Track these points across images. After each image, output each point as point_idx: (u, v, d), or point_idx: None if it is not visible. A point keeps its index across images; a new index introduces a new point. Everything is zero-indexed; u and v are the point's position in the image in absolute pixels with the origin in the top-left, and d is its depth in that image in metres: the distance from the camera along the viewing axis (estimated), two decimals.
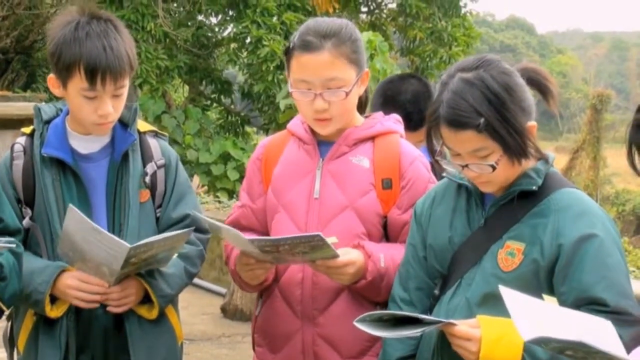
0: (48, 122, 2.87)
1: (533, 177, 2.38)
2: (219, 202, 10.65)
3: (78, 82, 2.69)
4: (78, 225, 2.58)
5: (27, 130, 2.89)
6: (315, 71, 2.67)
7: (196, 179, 13.58)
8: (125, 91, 2.78)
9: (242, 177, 14.88)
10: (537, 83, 2.44)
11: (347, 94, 2.68)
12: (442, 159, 2.43)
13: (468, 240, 2.45)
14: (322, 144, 2.83)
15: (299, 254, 2.52)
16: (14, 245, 2.47)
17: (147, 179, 2.88)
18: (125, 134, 2.86)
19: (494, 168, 2.30)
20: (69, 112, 2.86)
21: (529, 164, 2.38)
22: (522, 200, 2.38)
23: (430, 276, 2.57)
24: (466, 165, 2.34)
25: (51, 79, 2.79)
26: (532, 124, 2.36)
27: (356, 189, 2.76)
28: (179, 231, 2.69)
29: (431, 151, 2.44)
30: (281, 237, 2.53)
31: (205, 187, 14.14)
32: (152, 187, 2.90)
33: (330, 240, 2.48)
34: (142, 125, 2.95)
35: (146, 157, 2.90)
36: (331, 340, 2.75)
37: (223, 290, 8.00)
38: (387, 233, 2.79)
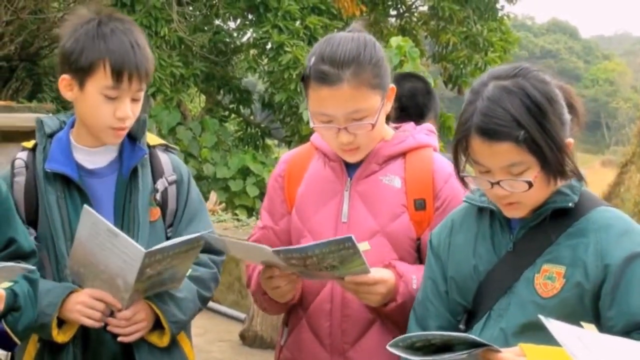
0: (51, 135, 2.86)
1: (568, 194, 2.34)
2: (238, 220, 10.67)
3: (101, 79, 2.69)
4: (92, 229, 2.58)
5: (28, 144, 2.88)
6: (336, 106, 2.62)
7: (213, 196, 13.61)
8: (143, 96, 2.79)
9: (262, 194, 14.91)
10: (566, 102, 2.36)
11: (373, 125, 2.65)
12: (468, 175, 2.37)
13: (496, 267, 2.41)
14: None
15: (328, 269, 2.51)
16: (32, 267, 2.47)
17: (158, 196, 2.87)
18: (134, 148, 2.85)
19: (530, 185, 2.25)
20: (74, 124, 2.86)
21: (559, 184, 2.34)
22: (555, 220, 2.34)
23: (452, 312, 2.52)
24: (497, 183, 2.28)
25: (64, 79, 2.76)
26: (570, 140, 2.31)
27: (387, 213, 2.73)
28: (194, 234, 2.67)
29: (457, 167, 2.38)
30: (309, 244, 2.48)
31: (223, 205, 14.17)
32: (163, 205, 2.89)
33: (362, 246, 2.46)
34: (151, 138, 2.94)
35: (156, 173, 2.89)
36: None
37: (242, 315, 8.01)
38: (420, 256, 2.75)
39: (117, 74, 2.67)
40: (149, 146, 2.91)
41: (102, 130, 2.77)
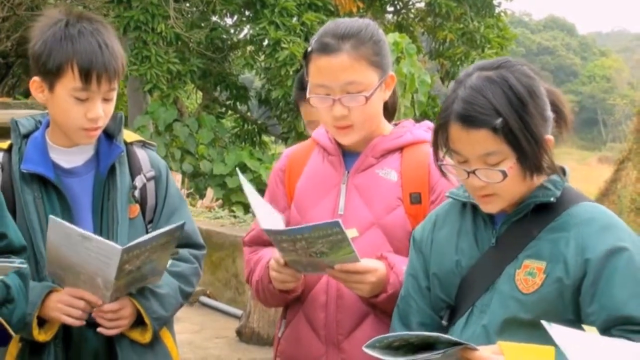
0: (27, 136, 2.85)
1: (550, 189, 2.33)
2: (235, 216, 10.65)
3: (70, 82, 2.67)
4: (63, 236, 2.57)
5: (3, 145, 2.86)
6: (333, 75, 2.67)
7: (210, 192, 13.61)
8: (115, 95, 2.78)
9: (259, 190, 14.84)
10: (551, 103, 2.36)
11: (367, 98, 2.68)
12: (446, 164, 2.37)
13: (478, 262, 2.40)
14: (348, 154, 2.83)
15: (318, 255, 2.52)
16: (24, 266, 2.48)
17: (136, 193, 2.87)
18: (111, 146, 2.85)
19: (504, 175, 2.25)
20: (49, 123, 2.85)
21: (539, 180, 2.33)
22: (537, 215, 2.33)
23: (434, 309, 2.51)
24: (473, 172, 2.28)
25: (35, 82, 2.75)
26: (549, 137, 2.30)
27: (383, 205, 2.75)
28: (171, 226, 2.66)
29: (436, 155, 2.38)
30: (297, 227, 2.51)
31: (220, 201, 14.19)
32: (142, 202, 2.89)
33: (350, 232, 2.48)
34: (128, 135, 2.93)
35: (134, 170, 2.89)
36: None
37: (239, 312, 8.01)
38: None
39: (85, 76, 2.66)
40: (126, 143, 2.90)
41: (74, 131, 2.76)
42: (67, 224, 2.56)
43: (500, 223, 2.38)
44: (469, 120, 2.23)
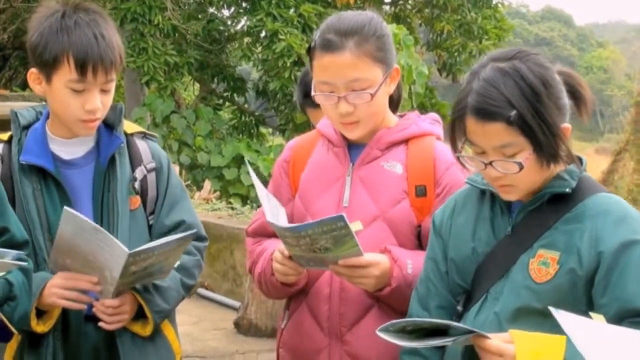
0: (27, 127, 2.85)
1: (566, 179, 2.35)
2: (232, 208, 10.65)
3: (66, 73, 2.67)
4: (77, 227, 2.57)
5: (4, 136, 2.87)
6: (337, 72, 2.67)
7: (207, 184, 13.60)
8: (113, 86, 2.77)
9: None
10: (570, 88, 2.39)
11: (372, 95, 2.67)
12: (464, 155, 2.38)
13: (494, 250, 2.42)
14: (353, 146, 2.83)
15: (322, 251, 2.53)
16: (25, 264, 2.48)
17: (137, 184, 2.87)
18: (111, 137, 2.84)
19: (521, 167, 2.26)
20: (49, 114, 2.85)
21: (557, 169, 2.35)
22: (553, 205, 2.35)
23: (452, 293, 2.54)
24: (490, 163, 2.29)
25: (32, 73, 2.76)
26: (566, 125, 2.32)
27: (388, 198, 2.75)
28: (182, 234, 2.68)
29: (454, 146, 2.40)
30: (302, 224, 2.52)
31: (218, 193, 14.17)
32: (143, 193, 2.89)
33: (354, 226, 2.48)
34: (129, 126, 2.93)
35: (135, 161, 2.89)
36: (359, 358, 2.75)
37: (237, 303, 8.02)
38: (421, 243, 2.76)
39: (81, 67, 2.65)
40: (126, 134, 2.89)
41: (72, 123, 2.76)
42: (81, 216, 2.56)
43: (517, 212, 2.40)
44: (483, 113, 2.24)
